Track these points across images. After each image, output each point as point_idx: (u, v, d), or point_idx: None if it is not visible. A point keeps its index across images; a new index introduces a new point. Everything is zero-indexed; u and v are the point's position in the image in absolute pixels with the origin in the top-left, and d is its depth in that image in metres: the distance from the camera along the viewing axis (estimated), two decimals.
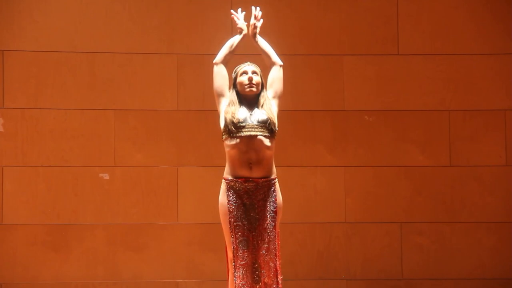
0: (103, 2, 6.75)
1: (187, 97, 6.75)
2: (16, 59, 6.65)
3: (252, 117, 4.61)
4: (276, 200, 4.64)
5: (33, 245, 6.60)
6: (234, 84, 4.74)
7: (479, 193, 6.80)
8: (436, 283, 6.76)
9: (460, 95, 6.85)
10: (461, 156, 6.82)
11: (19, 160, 6.63)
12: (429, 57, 6.85)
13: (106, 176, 6.67)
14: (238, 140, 4.58)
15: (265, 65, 4.81)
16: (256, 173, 4.59)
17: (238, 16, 4.90)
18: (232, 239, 4.59)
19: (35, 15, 6.68)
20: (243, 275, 4.56)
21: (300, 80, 6.76)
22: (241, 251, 4.57)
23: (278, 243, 4.66)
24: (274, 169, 4.68)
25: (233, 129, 4.57)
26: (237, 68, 4.75)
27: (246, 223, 4.60)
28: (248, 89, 4.68)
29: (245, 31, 4.85)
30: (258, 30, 4.82)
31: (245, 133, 4.57)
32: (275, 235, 4.63)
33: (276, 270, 4.61)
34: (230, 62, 4.79)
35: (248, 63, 4.75)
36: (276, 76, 4.76)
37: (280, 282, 4.63)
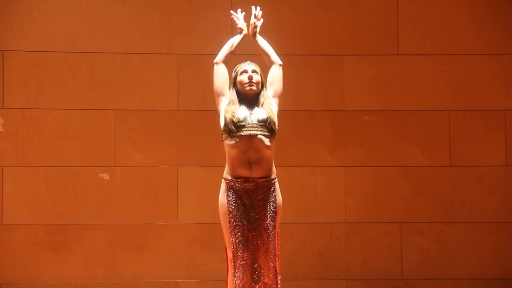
0: (103, 2, 6.75)
1: (187, 97, 6.75)
2: (16, 59, 6.65)
3: (252, 116, 4.61)
4: (276, 200, 4.64)
5: (33, 245, 6.60)
6: (234, 83, 4.74)
7: (479, 193, 6.80)
8: (436, 283, 6.76)
9: (460, 95, 6.85)
10: (461, 156, 6.82)
11: (19, 160, 6.63)
12: (429, 57, 6.85)
13: (106, 176, 6.67)
14: (238, 139, 4.57)
15: (265, 65, 4.81)
16: (256, 173, 4.59)
17: (238, 16, 4.91)
18: (231, 239, 4.58)
19: (35, 15, 6.68)
20: (242, 275, 4.56)
21: (300, 80, 6.76)
22: (240, 251, 4.57)
23: (277, 243, 4.66)
24: (274, 169, 4.67)
25: (233, 128, 4.57)
26: (237, 67, 4.75)
27: (245, 223, 4.59)
28: (248, 88, 4.67)
29: (245, 31, 4.86)
30: (258, 29, 4.82)
31: (245, 132, 4.57)
32: (275, 235, 4.63)
33: (276, 270, 4.61)
34: (230, 62, 4.79)
35: (248, 62, 4.75)
36: (275, 75, 4.76)
37: (279, 282, 4.62)
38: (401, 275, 6.77)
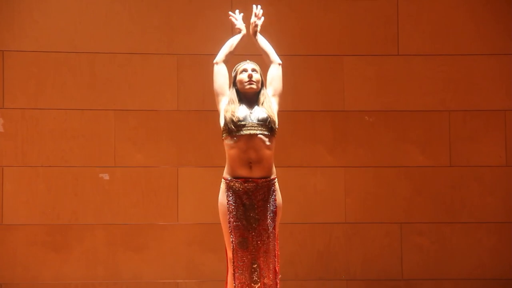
0: (103, 2, 6.75)
1: (187, 97, 6.75)
2: (16, 59, 6.65)
3: (252, 116, 4.60)
4: (276, 200, 4.64)
5: (33, 245, 6.60)
6: (234, 82, 4.74)
7: (479, 194, 6.80)
8: (436, 283, 6.75)
9: (460, 95, 6.85)
10: (461, 156, 6.82)
11: (19, 160, 6.63)
12: (429, 57, 6.85)
13: (106, 176, 6.67)
14: (238, 139, 4.57)
15: (265, 65, 4.81)
16: (256, 173, 4.59)
17: (236, 17, 4.91)
18: (231, 239, 4.58)
19: (35, 15, 6.68)
20: (241, 275, 4.56)
21: (300, 80, 6.76)
22: (240, 251, 4.57)
23: (277, 243, 4.65)
24: (274, 169, 4.67)
25: (233, 127, 4.57)
26: (237, 66, 4.75)
27: (245, 223, 4.59)
28: (248, 86, 4.67)
29: (243, 31, 4.86)
30: (258, 28, 4.83)
31: (245, 132, 4.56)
32: (275, 236, 4.63)
33: (275, 270, 4.61)
34: (230, 61, 4.79)
35: (248, 61, 4.75)
36: (275, 74, 4.76)
37: (278, 282, 4.62)
38: (401, 276, 6.77)
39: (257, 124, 4.58)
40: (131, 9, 6.77)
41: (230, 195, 4.60)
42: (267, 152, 4.59)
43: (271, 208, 4.62)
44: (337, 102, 6.82)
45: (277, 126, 4.63)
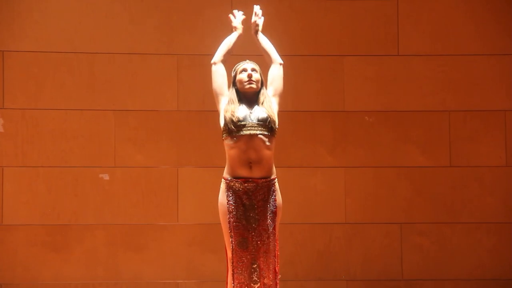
0: (103, 3, 6.75)
1: (187, 98, 6.75)
2: (16, 59, 6.65)
3: (252, 115, 4.59)
4: (276, 200, 4.63)
5: (33, 245, 6.59)
6: (233, 82, 4.73)
7: (479, 194, 6.80)
8: (436, 283, 6.75)
9: (460, 95, 6.85)
10: (461, 156, 6.82)
11: (19, 160, 6.63)
12: (429, 57, 6.85)
13: (106, 177, 6.67)
14: (238, 139, 4.57)
15: (266, 64, 4.80)
16: (256, 173, 4.58)
17: (235, 15, 4.90)
18: (231, 239, 4.58)
19: (35, 15, 6.68)
20: (241, 275, 4.55)
21: (300, 80, 6.76)
22: (240, 251, 4.56)
23: (277, 243, 4.65)
24: (274, 169, 4.67)
25: (233, 127, 4.56)
26: (237, 66, 4.75)
27: (245, 223, 4.59)
28: (247, 86, 4.67)
29: (239, 30, 4.84)
30: (260, 27, 4.82)
31: (245, 132, 4.56)
32: (275, 236, 4.63)
33: (275, 271, 4.61)
34: (229, 61, 4.79)
35: (248, 61, 4.75)
36: (276, 74, 4.76)
37: (278, 282, 4.62)
38: (401, 276, 6.76)
39: (257, 124, 4.57)
40: (131, 9, 6.77)
41: (230, 195, 4.60)
42: (267, 152, 4.59)
43: (271, 208, 4.62)
44: (337, 102, 6.82)
45: (277, 126, 4.62)
